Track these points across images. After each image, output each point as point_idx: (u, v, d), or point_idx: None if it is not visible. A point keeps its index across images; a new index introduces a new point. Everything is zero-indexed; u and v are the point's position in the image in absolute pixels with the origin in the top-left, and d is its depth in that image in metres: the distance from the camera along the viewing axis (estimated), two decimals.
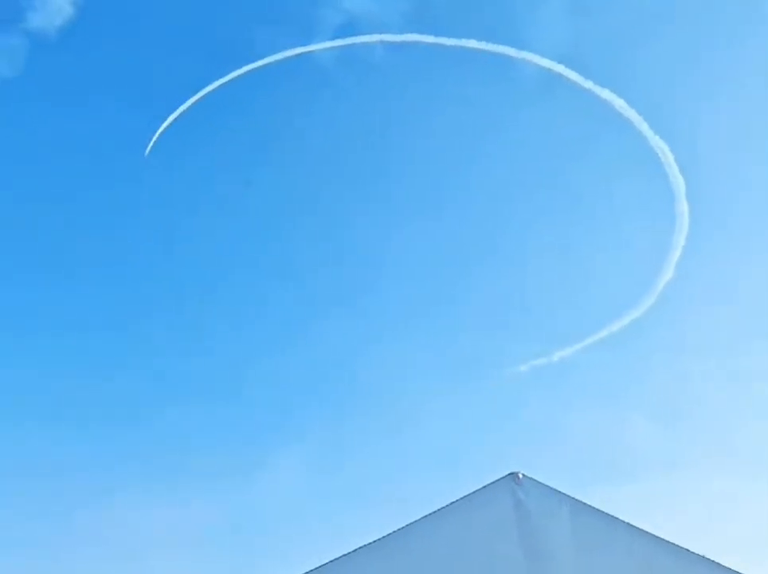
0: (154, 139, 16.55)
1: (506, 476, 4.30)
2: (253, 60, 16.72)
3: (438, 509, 4.20)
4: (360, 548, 4.10)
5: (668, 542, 4.23)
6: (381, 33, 16.32)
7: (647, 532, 4.28)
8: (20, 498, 16.71)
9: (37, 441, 17.71)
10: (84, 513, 16.93)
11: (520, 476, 4.30)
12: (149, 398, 20.07)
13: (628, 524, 4.30)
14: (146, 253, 20.93)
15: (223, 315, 21.16)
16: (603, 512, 4.36)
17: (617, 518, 4.33)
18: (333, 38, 16.75)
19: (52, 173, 20.10)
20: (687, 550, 4.19)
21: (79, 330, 20.34)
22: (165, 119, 16.91)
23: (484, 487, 4.29)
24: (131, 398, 19.92)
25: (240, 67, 16.86)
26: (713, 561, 4.10)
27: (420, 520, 4.22)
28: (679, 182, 15.83)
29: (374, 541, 4.13)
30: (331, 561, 4.08)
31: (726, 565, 4.09)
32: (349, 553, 4.13)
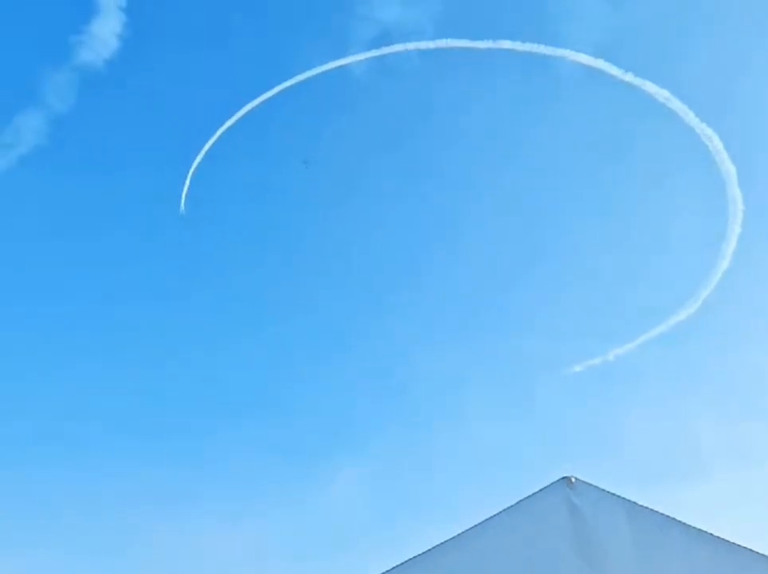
0: (185, 190, 16.95)
1: (558, 480, 4.23)
2: (290, 78, 17.00)
3: (490, 517, 4.16)
4: (413, 558, 4.11)
5: (733, 544, 4.08)
6: (415, 41, 16.37)
7: (711, 535, 4.13)
8: (87, 505, 17.42)
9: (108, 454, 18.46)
10: (149, 527, 17.42)
11: (573, 480, 4.22)
12: (217, 414, 20.63)
13: (690, 526, 4.17)
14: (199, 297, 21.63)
15: (287, 338, 21.58)
16: (663, 514, 4.24)
17: (678, 520, 4.20)
18: (368, 50, 16.89)
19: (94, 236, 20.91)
20: (754, 551, 4.04)
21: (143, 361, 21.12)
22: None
23: (536, 493, 4.23)
24: (195, 413, 20.50)
25: (278, 84, 17.16)
26: None
27: (472, 528, 4.19)
28: (730, 170, 15.34)
29: (427, 551, 4.13)
30: (390, 570, 4.11)
31: None
32: (404, 563, 4.14)
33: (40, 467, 18.20)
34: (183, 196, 16.91)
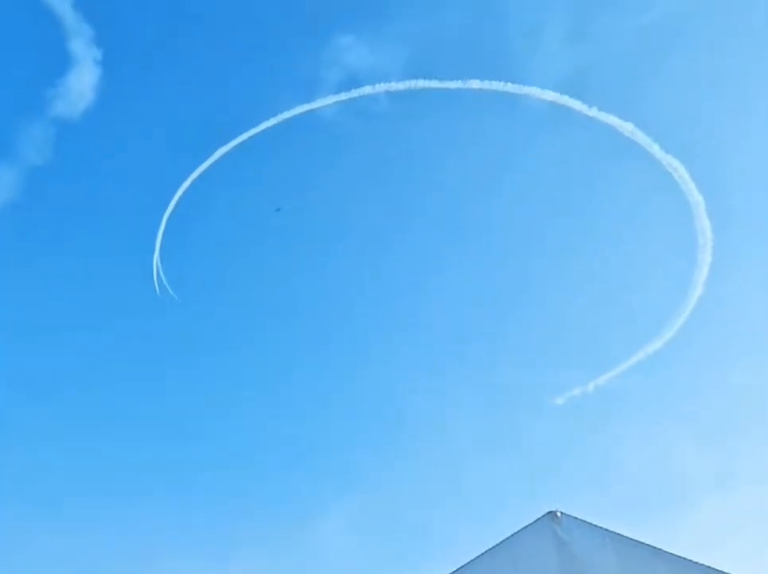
0: (155, 270, 16.88)
1: (544, 515, 4.22)
2: (261, 123, 17.12)
3: (477, 556, 4.12)
4: None
5: (720, 572, 4.09)
6: (384, 83, 16.65)
7: (698, 564, 4.15)
8: (84, 558, 17.17)
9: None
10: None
11: (558, 514, 4.21)
12: (210, 460, 20.42)
13: (677, 556, 4.18)
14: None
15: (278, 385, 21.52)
16: (650, 545, 4.24)
17: (665, 551, 4.21)
18: (337, 93, 17.14)
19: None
20: None
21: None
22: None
23: (523, 529, 4.21)
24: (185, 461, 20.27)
25: (246, 131, 17.27)
26: None
27: (460, 568, 4.14)
28: (697, 199, 15.69)
29: None
30: None
31: None
32: None
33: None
34: (155, 268, 16.82)
